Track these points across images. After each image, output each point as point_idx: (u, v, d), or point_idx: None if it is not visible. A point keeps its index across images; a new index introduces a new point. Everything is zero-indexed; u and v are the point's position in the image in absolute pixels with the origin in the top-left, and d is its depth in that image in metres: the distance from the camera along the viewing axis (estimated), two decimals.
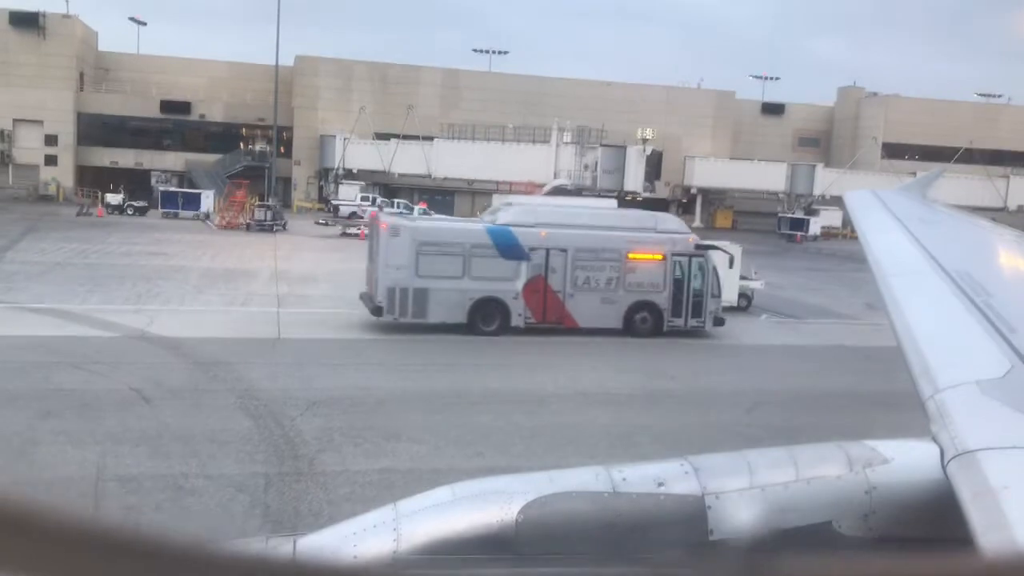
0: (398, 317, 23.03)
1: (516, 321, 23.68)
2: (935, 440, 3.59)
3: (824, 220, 70.51)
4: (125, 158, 75.21)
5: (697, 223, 69.03)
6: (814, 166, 75.89)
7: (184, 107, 76.05)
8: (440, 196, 70.54)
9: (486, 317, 23.48)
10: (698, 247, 24.95)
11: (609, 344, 23.21)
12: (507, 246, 23.63)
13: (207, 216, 58.92)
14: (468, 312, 23.27)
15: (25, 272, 30.52)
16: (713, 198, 79.18)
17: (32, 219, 51.84)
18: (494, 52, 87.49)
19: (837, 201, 58.95)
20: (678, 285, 24.52)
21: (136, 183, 69.65)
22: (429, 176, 70.56)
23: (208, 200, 60.60)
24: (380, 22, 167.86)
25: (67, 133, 73.32)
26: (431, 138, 71.14)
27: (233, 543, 4.92)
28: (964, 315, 4.69)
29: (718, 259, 25.64)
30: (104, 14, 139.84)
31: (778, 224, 70.99)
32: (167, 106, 75.59)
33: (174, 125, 76.44)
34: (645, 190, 70.63)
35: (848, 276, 38.86)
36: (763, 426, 15.61)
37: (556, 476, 4.29)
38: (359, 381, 18.11)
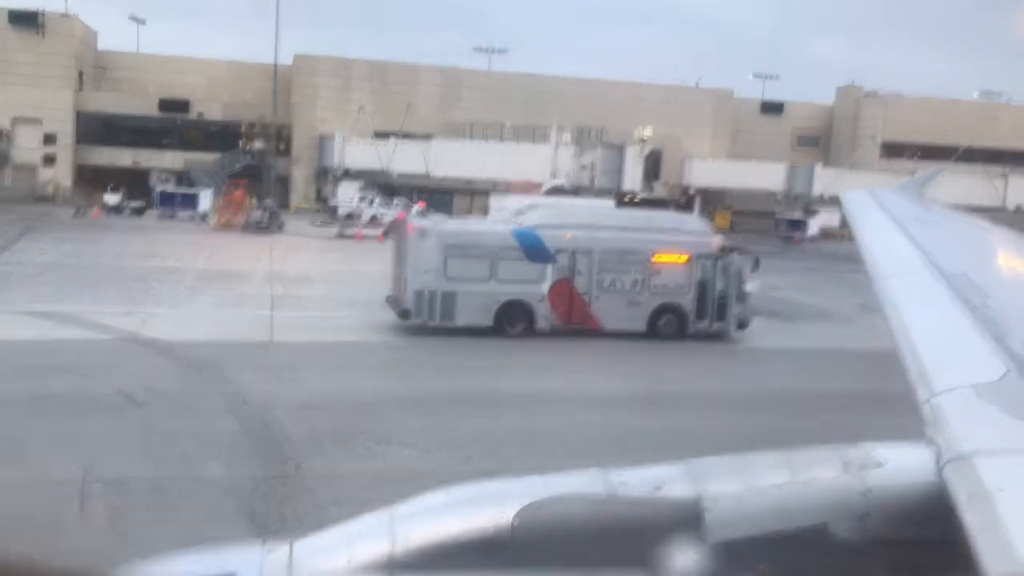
0: (426, 320, 23.11)
1: (541, 324, 23.79)
2: (931, 443, 3.58)
3: (823, 220, 70.45)
4: (123, 157, 75.08)
5: None
6: (813, 166, 75.80)
7: (183, 106, 75.92)
8: (439, 196, 70.48)
9: (512, 319, 23.56)
10: (723, 250, 24.97)
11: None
12: (533, 249, 23.74)
13: (204, 217, 58.82)
14: (495, 315, 23.31)
15: (22, 273, 30.47)
16: (712, 198, 79.15)
17: (30, 220, 51.78)
18: (494, 51, 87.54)
19: (836, 201, 58.90)
20: (702, 288, 24.56)
21: (135, 182, 69.56)
22: (428, 175, 70.52)
23: (206, 200, 60.42)
24: (380, 21, 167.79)
25: (66, 132, 73.16)
26: (430, 137, 71.10)
27: (230, 546, 4.91)
28: (961, 318, 4.68)
29: (743, 262, 25.63)
30: (104, 12, 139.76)
31: (776, 225, 70.94)
32: (166, 105, 75.44)
33: (173, 124, 76.36)
34: (643, 190, 70.55)
35: (846, 277, 38.82)
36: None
37: (552, 479, 4.28)
38: (350, 386, 18.07)
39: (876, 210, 7.68)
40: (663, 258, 24.41)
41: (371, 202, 64.34)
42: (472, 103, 76.33)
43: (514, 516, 4.04)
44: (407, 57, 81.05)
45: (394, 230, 27.46)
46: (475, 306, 23.20)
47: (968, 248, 7.10)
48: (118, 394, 15.98)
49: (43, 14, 72.62)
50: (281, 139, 74.56)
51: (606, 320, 24.13)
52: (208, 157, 74.15)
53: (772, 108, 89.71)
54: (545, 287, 23.74)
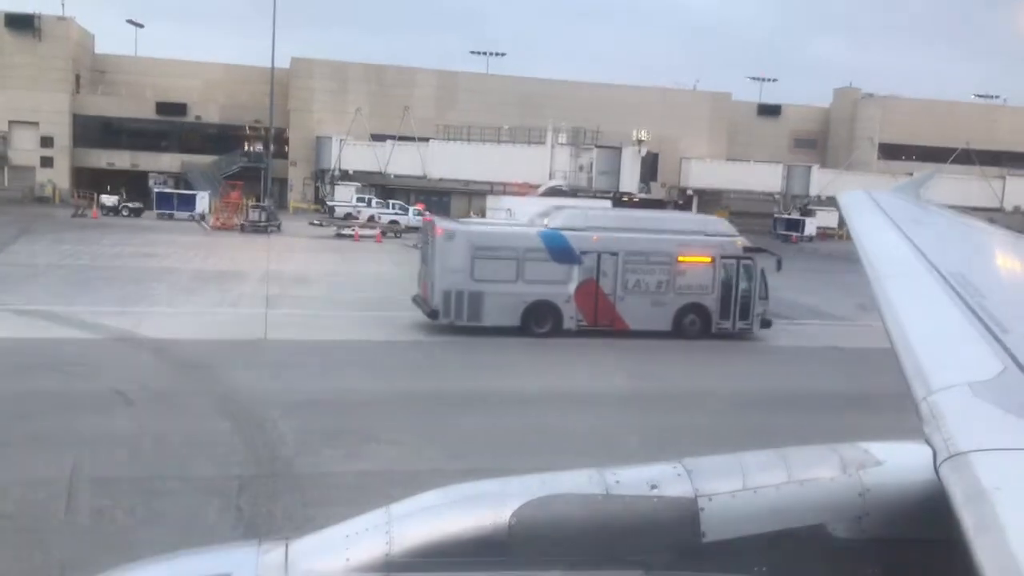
0: (454, 320, 23.35)
1: (568, 324, 24.03)
2: (928, 442, 3.57)
3: (820, 221, 70.58)
4: (121, 160, 75.19)
5: None
6: (810, 167, 75.98)
7: (180, 109, 76.02)
8: (436, 197, 70.57)
9: (539, 319, 23.80)
10: (746, 250, 25.18)
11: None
12: (559, 250, 23.97)
13: (202, 217, 58.88)
14: (522, 315, 23.55)
15: (16, 275, 30.43)
16: (709, 199, 79.24)
17: (27, 221, 51.74)
18: (492, 54, 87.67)
19: (833, 202, 58.98)
20: (726, 288, 24.84)
21: (133, 185, 69.62)
22: (425, 177, 70.57)
23: (203, 201, 60.56)
24: (377, 24, 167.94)
25: (63, 135, 73.21)
26: (427, 139, 71.18)
27: (225, 547, 4.90)
28: (957, 316, 4.68)
29: (766, 262, 25.83)
30: (102, 15, 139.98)
31: (774, 225, 71.07)
32: (163, 108, 75.58)
33: (170, 127, 76.40)
34: (640, 191, 70.68)
35: (845, 278, 38.84)
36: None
37: (549, 479, 4.27)
38: (338, 384, 18.09)
39: (873, 210, 7.68)
40: (688, 259, 24.68)
41: (369, 203, 64.43)
42: (469, 106, 76.42)
43: (511, 515, 4.03)
44: (405, 60, 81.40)
45: (421, 232, 27.65)
46: (502, 306, 23.44)
47: (965, 248, 7.10)
48: (109, 392, 15.98)
49: (39, 17, 72.67)
50: (279, 141, 74.58)
51: (631, 320, 24.37)
52: (205, 159, 74.25)
53: (769, 110, 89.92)
54: (571, 288, 23.97)
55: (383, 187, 71.78)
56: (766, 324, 25.41)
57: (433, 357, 21.56)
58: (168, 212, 59.69)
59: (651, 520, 4.06)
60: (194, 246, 43.62)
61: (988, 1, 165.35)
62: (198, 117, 76.74)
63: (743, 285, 24.86)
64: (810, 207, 72.78)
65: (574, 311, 24.02)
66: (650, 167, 75.32)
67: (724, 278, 24.82)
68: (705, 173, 77.11)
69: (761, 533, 4.04)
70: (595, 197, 59.70)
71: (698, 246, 24.88)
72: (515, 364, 21.21)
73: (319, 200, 72.69)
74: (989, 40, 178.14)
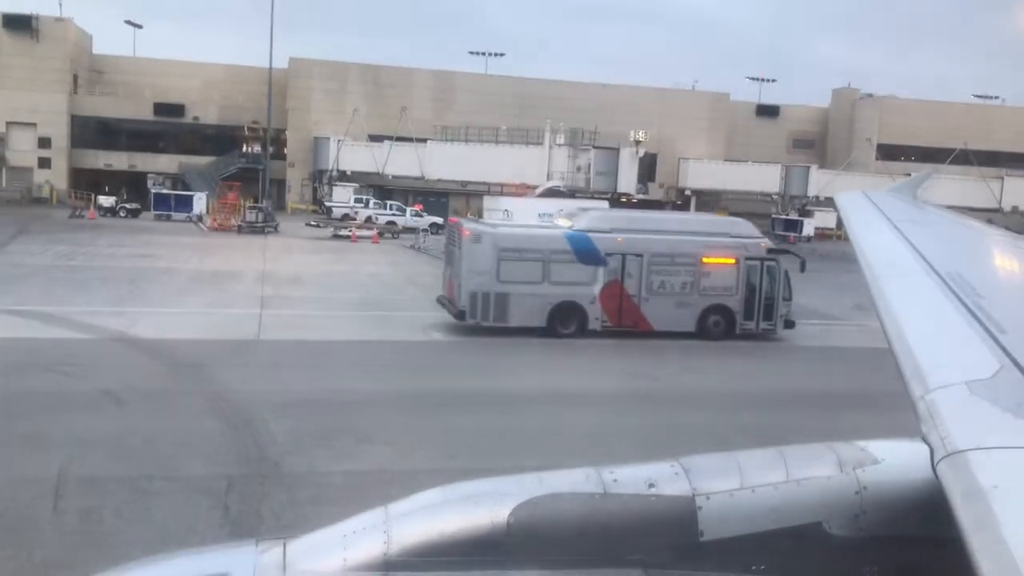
0: (480, 321, 23.43)
1: (593, 324, 24.13)
2: (925, 440, 3.58)
3: (818, 221, 70.63)
4: (119, 160, 75.15)
5: None
6: (808, 168, 76.07)
7: (178, 109, 75.99)
8: (434, 198, 70.58)
9: (564, 320, 23.89)
10: (770, 252, 25.30)
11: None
12: (585, 251, 24.06)
13: (199, 218, 58.87)
14: (547, 316, 23.64)
15: (11, 275, 30.38)
16: (707, 200, 79.31)
17: (24, 221, 51.71)
18: (491, 54, 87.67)
19: (831, 202, 59.04)
20: (750, 289, 24.95)
21: (131, 185, 69.61)
22: (422, 178, 70.58)
23: (200, 202, 60.58)
24: (376, 25, 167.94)
25: (60, 136, 73.16)
26: (425, 140, 71.18)
27: (222, 546, 4.90)
28: (954, 316, 4.69)
29: (790, 264, 25.91)
30: (100, 16, 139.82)
31: (772, 225, 71.12)
32: (160, 108, 75.53)
33: (168, 127, 76.36)
34: (638, 192, 70.74)
35: (843, 278, 38.85)
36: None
37: (546, 477, 4.27)
38: (330, 384, 18.07)
39: (871, 211, 7.69)
40: (712, 260, 24.79)
41: (367, 203, 64.44)
42: (466, 106, 76.42)
43: (509, 514, 4.03)
44: (404, 60, 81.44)
45: (446, 233, 27.77)
46: (528, 307, 23.53)
47: (962, 248, 7.12)
48: (100, 392, 15.96)
49: (37, 18, 72.63)
50: (277, 142, 74.58)
51: (656, 321, 24.47)
52: (203, 160, 74.22)
53: (768, 111, 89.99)
54: (596, 289, 24.06)
55: (381, 188, 71.77)
56: (789, 325, 25.50)
57: (433, 357, 21.53)
58: (165, 213, 59.69)
59: (649, 519, 4.07)
60: (191, 247, 43.59)
61: (988, 1, 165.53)
62: (196, 118, 76.71)
63: (767, 286, 24.97)
64: (808, 208, 72.85)
65: (599, 312, 24.11)
66: (648, 168, 75.39)
67: (748, 279, 24.91)
68: (703, 173, 77.16)
69: (759, 531, 4.05)
70: (592, 198, 59.64)
71: (723, 248, 24.99)
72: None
73: (317, 201, 72.68)
74: (988, 40, 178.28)
